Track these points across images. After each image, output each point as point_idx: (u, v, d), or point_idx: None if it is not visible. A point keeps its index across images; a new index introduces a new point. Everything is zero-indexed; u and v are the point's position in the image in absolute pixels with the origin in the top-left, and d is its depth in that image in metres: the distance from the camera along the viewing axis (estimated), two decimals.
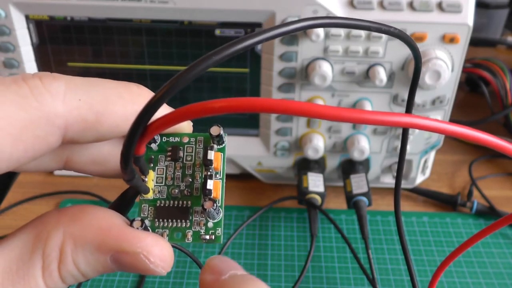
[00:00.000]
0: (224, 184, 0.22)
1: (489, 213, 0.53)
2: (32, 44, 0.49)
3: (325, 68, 0.46)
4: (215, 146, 0.22)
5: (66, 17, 0.47)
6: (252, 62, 0.49)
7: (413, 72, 0.26)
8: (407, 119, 0.17)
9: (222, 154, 0.22)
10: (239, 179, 0.57)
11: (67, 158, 0.23)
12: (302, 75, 0.48)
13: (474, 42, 0.68)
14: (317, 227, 0.51)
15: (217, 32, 0.47)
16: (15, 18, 0.46)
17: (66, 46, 0.49)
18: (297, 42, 0.46)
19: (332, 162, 0.54)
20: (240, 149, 0.54)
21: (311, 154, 0.51)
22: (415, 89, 0.27)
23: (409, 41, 0.22)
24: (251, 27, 0.47)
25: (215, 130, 0.22)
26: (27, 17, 0.47)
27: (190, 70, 0.16)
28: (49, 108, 0.18)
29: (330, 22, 0.19)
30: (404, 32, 0.21)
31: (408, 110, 0.28)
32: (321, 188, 0.51)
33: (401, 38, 0.22)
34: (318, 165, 0.53)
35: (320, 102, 0.48)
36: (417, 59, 0.24)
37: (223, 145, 0.22)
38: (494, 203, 0.54)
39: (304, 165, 0.53)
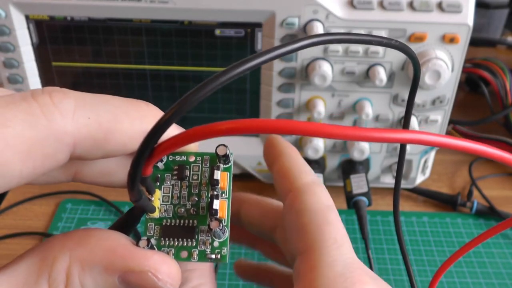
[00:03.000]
0: (230, 204, 0.22)
1: (489, 213, 0.53)
2: (32, 44, 0.49)
3: (325, 68, 0.46)
4: (221, 166, 0.22)
5: (66, 17, 0.47)
6: None
7: (411, 84, 0.26)
8: (409, 136, 0.17)
9: (228, 173, 0.22)
10: (239, 179, 0.57)
11: (75, 171, 0.23)
12: (302, 75, 0.48)
13: (474, 42, 0.68)
14: None
15: (217, 32, 0.47)
16: (15, 18, 0.46)
17: (66, 46, 0.49)
18: None
19: (332, 162, 0.54)
20: (240, 149, 0.54)
21: (311, 154, 0.51)
22: (413, 102, 0.27)
23: (410, 52, 0.22)
24: (251, 27, 0.47)
25: (221, 150, 0.22)
26: (27, 17, 0.47)
27: (197, 91, 0.16)
28: (58, 126, 0.18)
29: (333, 38, 0.19)
30: (404, 44, 0.22)
31: (406, 125, 0.28)
32: None
33: (402, 50, 0.22)
34: (318, 165, 0.53)
35: (320, 102, 0.48)
36: (416, 69, 0.24)
37: (229, 164, 0.22)
38: (494, 203, 0.54)
39: None
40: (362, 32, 0.45)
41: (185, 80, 0.50)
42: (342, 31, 0.45)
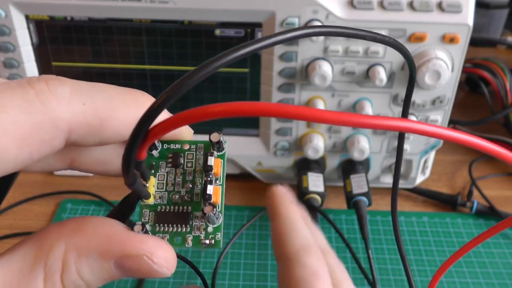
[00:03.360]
0: (224, 190, 0.22)
1: (489, 213, 0.53)
2: (32, 44, 0.49)
3: (325, 68, 0.46)
4: (215, 153, 0.22)
5: (66, 17, 0.47)
6: (252, 62, 0.49)
7: (408, 81, 0.26)
8: (404, 124, 0.17)
9: (222, 160, 0.22)
10: (239, 179, 0.57)
11: (72, 158, 0.23)
12: (302, 75, 0.48)
13: (474, 42, 0.68)
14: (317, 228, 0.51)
15: (217, 32, 0.47)
16: (15, 18, 0.46)
17: (66, 46, 0.49)
18: (297, 42, 0.46)
19: (332, 162, 0.54)
20: (240, 149, 0.54)
21: (311, 154, 0.51)
22: (410, 98, 0.27)
23: (404, 50, 0.23)
24: (251, 27, 0.47)
25: (215, 137, 0.22)
26: (27, 17, 0.47)
27: (190, 76, 0.16)
28: (54, 112, 0.19)
29: (327, 31, 0.19)
30: (398, 41, 0.22)
31: (404, 116, 0.28)
32: (321, 188, 0.51)
33: (396, 47, 0.22)
34: (318, 165, 0.53)
35: (320, 102, 0.48)
36: (411, 68, 0.24)
37: (223, 151, 0.23)
38: (494, 203, 0.54)
39: (304, 165, 0.53)
40: None
41: None
42: None
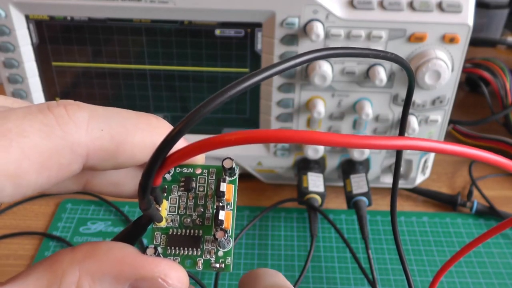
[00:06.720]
0: (235, 215, 0.23)
1: (489, 213, 0.53)
2: (32, 44, 0.49)
3: (325, 68, 0.46)
4: (227, 178, 0.23)
5: (66, 17, 0.47)
6: (252, 62, 0.49)
7: (406, 94, 0.26)
8: (406, 142, 0.17)
9: (233, 186, 0.23)
10: (239, 179, 0.57)
11: (86, 181, 0.23)
12: (302, 75, 0.48)
13: (474, 42, 0.68)
14: (317, 227, 0.51)
15: (217, 32, 0.47)
16: (15, 18, 0.46)
17: (66, 46, 0.49)
18: (297, 42, 0.46)
19: (332, 162, 0.54)
20: (240, 149, 0.54)
21: (311, 154, 0.51)
22: (408, 110, 0.27)
23: (405, 64, 0.23)
24: (251, 27, 0.47)
25: (228, 163, 0.22)
26: (27, 17, 0.47)
27: (205, 105, 0.17)
28: (73, 137, 0.19)
29: (333, 53, 0.20)
30: (400, 56, 0.22)
31: (402, 131, 0.28)
32: (321, 188, 0.51)
33: (398, 62, 0.22)
34: (318, 165, 0.53)
35: (320, 102, 0.48)
36: (411, 81, 0.24)
37: (235, 177, 0.23)
38: (494, 203, 0.54)
39: (304, 165, 0.53)
40: (362, 32, 0.45)
41: (185, 80, 0.50)
42: (342, 31, 0.45)
